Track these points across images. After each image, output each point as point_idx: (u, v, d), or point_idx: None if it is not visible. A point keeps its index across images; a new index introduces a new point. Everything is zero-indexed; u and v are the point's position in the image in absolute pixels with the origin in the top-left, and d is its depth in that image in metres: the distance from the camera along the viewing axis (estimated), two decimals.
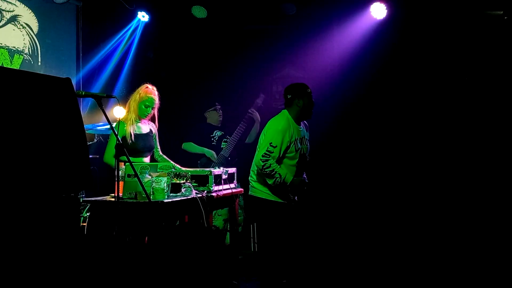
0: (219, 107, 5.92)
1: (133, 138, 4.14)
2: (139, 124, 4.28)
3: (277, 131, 3.98)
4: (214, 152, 5.62)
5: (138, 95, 4.21)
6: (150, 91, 4.23)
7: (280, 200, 4.08)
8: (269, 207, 4.07)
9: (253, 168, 4.16)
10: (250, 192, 4.21)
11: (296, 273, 4.21)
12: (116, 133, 3.21)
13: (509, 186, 5.22)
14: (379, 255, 5.29)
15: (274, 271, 4.03)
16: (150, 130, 4.38)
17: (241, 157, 5.67)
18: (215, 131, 5.83)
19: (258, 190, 4.11)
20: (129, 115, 4.22)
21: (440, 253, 5.12)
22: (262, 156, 3.91)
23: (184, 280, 3.48)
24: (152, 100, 4.22)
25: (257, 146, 4.11)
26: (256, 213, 4.26)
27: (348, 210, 5.89)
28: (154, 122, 4.42)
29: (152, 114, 4.29)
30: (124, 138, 4.13)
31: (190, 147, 5.71)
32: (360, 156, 5.99)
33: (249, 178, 4.22)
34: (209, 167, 4.77)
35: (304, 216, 4.58)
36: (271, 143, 3.94)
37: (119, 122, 4.10)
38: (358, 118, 6.05)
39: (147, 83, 4.30)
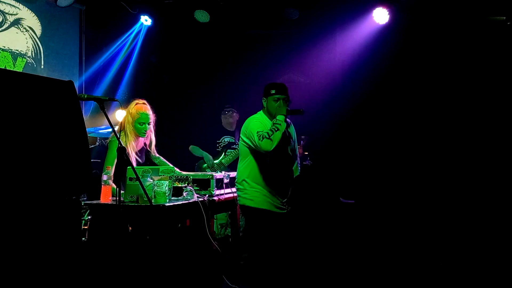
0: (229, 110, 5.85)
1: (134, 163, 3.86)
2: (134, 144, 3.98)
3: None
4: (211, 158, 5.57)
5: (129, 115, 3.90)
6: (140, 107, 3.94)
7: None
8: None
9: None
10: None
11: (285, 278, 4.14)
12: (118, 136, 3.21)
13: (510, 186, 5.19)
14: (376, 258, 5.25)
15: (264, 277, 3.95)
16: (144, 143, 4.12)
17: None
18: (224, 137, 5.79)
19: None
20: (127, 138, 3.90)
21: (443, 253, 5.09)
22: None
23: (184, 283, 3.47)
24: (145, 115, 3.92)
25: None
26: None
27: (345, 212, 5.87)
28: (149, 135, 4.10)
29: (150, 129, 3.99)
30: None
31: (194, 150, 5.73)
32: (361, 158, 5.98)
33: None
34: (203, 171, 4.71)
35: (295, 221, 4.51)
36: None
37: (111, 141, 3.87)
38: (360, 122, 6.05)
39: (136, 99, 4.02)
